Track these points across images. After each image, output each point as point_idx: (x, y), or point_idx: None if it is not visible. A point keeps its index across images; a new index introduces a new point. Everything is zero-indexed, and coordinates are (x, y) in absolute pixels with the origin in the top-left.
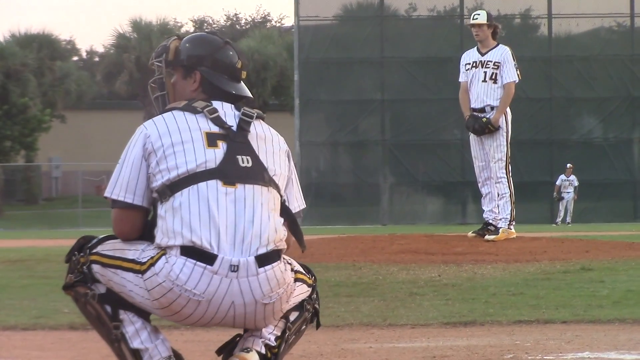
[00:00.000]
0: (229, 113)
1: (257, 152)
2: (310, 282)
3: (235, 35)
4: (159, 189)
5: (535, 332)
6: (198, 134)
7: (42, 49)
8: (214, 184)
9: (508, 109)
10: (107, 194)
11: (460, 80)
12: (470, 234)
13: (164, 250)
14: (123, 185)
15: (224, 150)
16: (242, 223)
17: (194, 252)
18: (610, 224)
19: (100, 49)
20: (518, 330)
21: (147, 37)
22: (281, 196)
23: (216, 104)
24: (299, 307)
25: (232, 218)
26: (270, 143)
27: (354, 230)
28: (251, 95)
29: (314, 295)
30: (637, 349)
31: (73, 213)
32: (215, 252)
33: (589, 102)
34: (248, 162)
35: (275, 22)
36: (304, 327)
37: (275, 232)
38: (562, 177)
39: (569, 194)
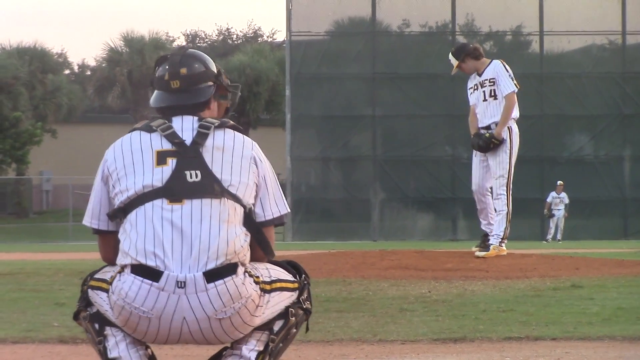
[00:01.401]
0: (187, 127)
1: (209, 165)
2: (293, 286)
3: (227, 49)
4: (113, 212)
5: (525, 349)
6: (149, 154)
7: (34, 62)
8: (159, 203)
9: (515, 126)
10: (83, 221)
11: (470, 103)
12: (474, 248)
13: (121, 269)
14: (90, 211)
15: (172, 167)
16: (189, 239)
17: (142, 270)
18: (600, 241)
19: (92, 63)
20: (508, 347)
21: (139, 52)
22: (244, 206)
23: (176, 119)
24: (284, 314)
25: (178, 235)
26: (229, 153)
27: (344, 246)
28: (189, 102)
29: (304, 296)
30: None
31: (63, 226)
32: (162, 269)
33: (580, 120)
34: (197, 177)
35: (267, 37)
36: (293, 331)
37: (227, 245)
38: (553, 194)
39: (559, 211)
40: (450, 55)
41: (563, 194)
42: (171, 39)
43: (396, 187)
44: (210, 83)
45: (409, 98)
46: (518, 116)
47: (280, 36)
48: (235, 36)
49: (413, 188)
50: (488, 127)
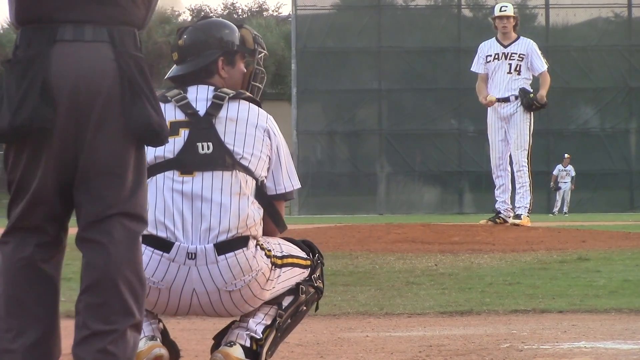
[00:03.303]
0: (201, 97)
1: (221, 137)
2: (305, 263)
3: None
4: None
5: (532, 322)
6: None
7: None
8: (170, 175)
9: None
10: None
11: (477, 70)
12: (482, 221)
13: None
14: None
15: (184, 138)
16: (199, 211)
17: (153, 241)
18: (606, 214)
19: None
20: (514, 320)
21: None
22: (256, 178)
23: (191, 89)
24: (294, 290)
25: (188, 207)
26: (242, 124)
27: (350, 220)
28: (182, 72)
29: (316, 274)
30: (633, 338)
31: None
32: (172, 241)
33: (586, 93)
34: (208, 149)
35: (273, 11)
36: (303, 308)
37: (238, 218)
38: (559, 167)
39: (565, 184)
40: (509, 5)
41: (569, 167)
42: (177, 13)
43: (402, 161)
44: (214, 50)
45: (414, 72)
46: (532, 90)
47: (286, 10)
48: (240, 10)
49: (419, 162)
50: (506, 100)
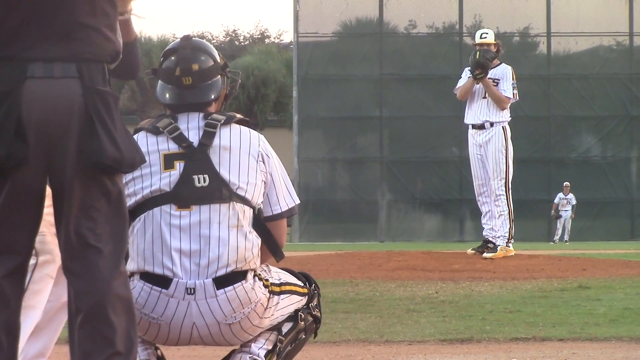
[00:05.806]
0: (193, 126)
1: (217, 167)
2: (302, 290)
3: (235, 51)
4: None
5: (532, 350)
6: (156, 158)
7: None
8: (167, 209)
9: (507, 127)
10: None
11: (458, 85)
12: (469, 251)
13: (130, 274)
14: None
15: (180, 172)
16: (198, 246)
17: (151, 277)
18: (607, 242)
19: None
20: (515, 348)
21: (147, 53)
22: (253, 207)
23: (182, 117)
24: (293, 317)
25: (186, 242)
26: (236, 152)
27: (351, 247)
28: (203, 100)
29: (313, 303)
30: None
31: None
32: (171, 277)
33: (587, 121)
34: (205, 182)
35: (274, 38)
36: (302, 336)
37: (237, 253)
38: (560, 195)
39: (566, 212)
40: (490, 31)
41: (570, 195)
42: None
43: (403, 188)
44: (219, 76)
45: (416, 99)
46: (509, 119)
47: (288, 37)
48: (242, 37)
49: (420, 189)
50: (482, 126)
